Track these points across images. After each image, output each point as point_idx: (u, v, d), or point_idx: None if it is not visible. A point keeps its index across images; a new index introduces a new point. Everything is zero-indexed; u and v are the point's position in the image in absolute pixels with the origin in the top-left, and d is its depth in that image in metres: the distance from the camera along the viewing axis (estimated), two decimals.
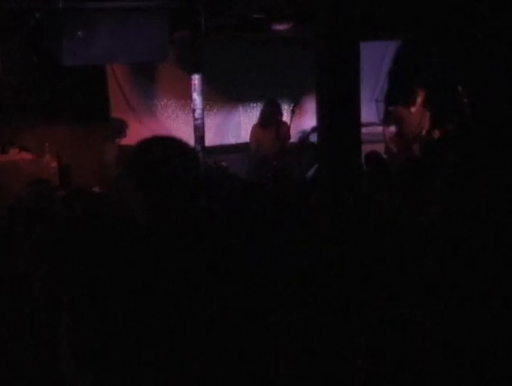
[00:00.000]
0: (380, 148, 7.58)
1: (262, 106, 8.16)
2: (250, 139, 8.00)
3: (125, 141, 7.56)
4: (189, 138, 8.07)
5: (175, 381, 1.87)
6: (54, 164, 7.93)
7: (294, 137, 9.37)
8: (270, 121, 7.79)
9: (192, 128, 7.99)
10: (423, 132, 8.01)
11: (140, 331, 1.85)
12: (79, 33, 6.53)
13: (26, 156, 8.04)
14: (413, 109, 8.04)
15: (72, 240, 2.94)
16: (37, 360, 2.81)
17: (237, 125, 9.49)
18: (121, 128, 7.56)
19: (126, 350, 1.85)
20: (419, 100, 7.98)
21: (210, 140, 8.68)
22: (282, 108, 8.17)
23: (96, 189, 6.95)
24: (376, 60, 9.80)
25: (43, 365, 2.72)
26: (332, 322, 3.39)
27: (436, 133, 7.86)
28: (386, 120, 8.37)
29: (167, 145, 2.03)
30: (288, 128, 7.92)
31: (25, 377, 2.80)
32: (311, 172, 6.60)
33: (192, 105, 7.95)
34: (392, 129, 8.23)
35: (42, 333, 2.85)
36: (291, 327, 3.18)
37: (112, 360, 1.86)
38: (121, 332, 1.86)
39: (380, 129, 8.41)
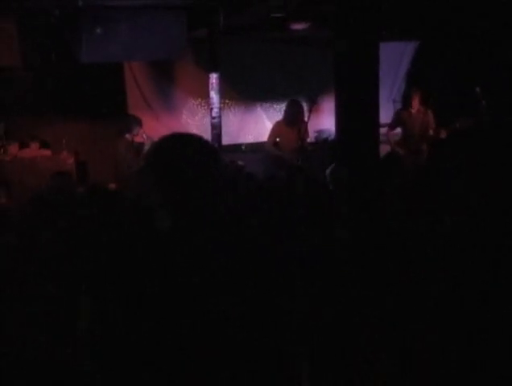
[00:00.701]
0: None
1: (285, 106, 8.17)
2: (270, 134, 8.01)
3: (139, 139, 7.58)
4: (206, 136, 8.08)
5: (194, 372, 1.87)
6: (71, 160, 7.97)
7: (311, 136, 9.38)
8: (293, 121, 7.80)
9: (210, 126, 7.99)
10: (430, 132, 7.98)
11: (159, 329, 1.85)
12: (98, 30, 6.55)
13: (45, 152, 8.09)
14: (413, 111, 8.04)
15: (91, 238, 2.95)
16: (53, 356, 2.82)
17: (254, 124, 9.48)
18: (131, 124, 7.56)
19: (146, 347, 1.86)
20: (416, 100, 7.97)
21: (227, 138, 8.69)
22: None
23: (112, 185, 6.97)
24: (394, 61, 9.77)
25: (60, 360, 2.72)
26: (341, 323, 3.39)
27: (444, 133, 7.81)
28: (390, 124, 8.35)
29: (189, 142, 2.02)
30: (307, 127, 7.93)
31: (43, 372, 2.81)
32: (328, 171, 6.57)
33: (209, 104, 7.96)
34: (397, 131, 8.24)
35: (58, 328, 2.86)
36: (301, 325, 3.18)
37: (131, 357, 1.86)
38: (140, 330, 1.86)
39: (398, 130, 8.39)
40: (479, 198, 4.14)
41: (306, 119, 7.96)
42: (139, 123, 7.57)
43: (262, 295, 1.97)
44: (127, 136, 7.47)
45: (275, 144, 7.98)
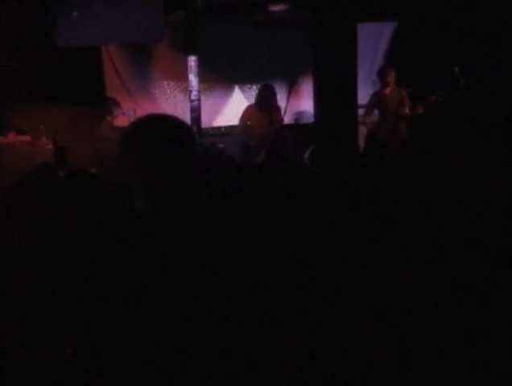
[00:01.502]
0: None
1: (258, 89, 8.17)
2: (241, 118, 8.02)
3: (119, 122, 7.56)
4: (185, 120, 8.05)
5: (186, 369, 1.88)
6: (50, 146, 7.92)
7: (291, 118, 9.38)
8: (265, 106, 7.82)
9: (189, 109, 7.97)
10: (407, 110, 7.98)
11: (139, 319, 1.85)
12: (74, 14, 6.50)
13: (23, 138, 8.02)
14: (387, 91, 7.99)
15: (71, 224, 2.94)
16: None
17: (233, 107, 9.46)
18: (110, 106, 7.54)
19: (132, 344, 1.85)
20: (390, 79, 7.96)
21: (206, 121, 8.67)
22: (278, 92, 8.17)
23: (93, 170, 6.94)
24: (373, 42, 9.76)
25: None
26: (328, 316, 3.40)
27: (421, 108, 7.81)
28: (366, 106, 8.32)
29: (164, 122, 2.02)
30: (281, 112, 7.95)
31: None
32: (307, 153, 6.58)
33: (188, 87, 7.93)
34: (375, 113, 8.22)
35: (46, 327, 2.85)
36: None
37: (123, 356, 1.86)
38: (121, 322, 1.85)
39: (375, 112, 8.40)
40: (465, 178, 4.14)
41: (284, 102, 7.98)
42: (118, 105, 7.54)
43: (243, 283, 1.97)
44: (108, 118, 7.44)
45: (246, 128, 7.97)
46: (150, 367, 1.85)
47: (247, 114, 8.00)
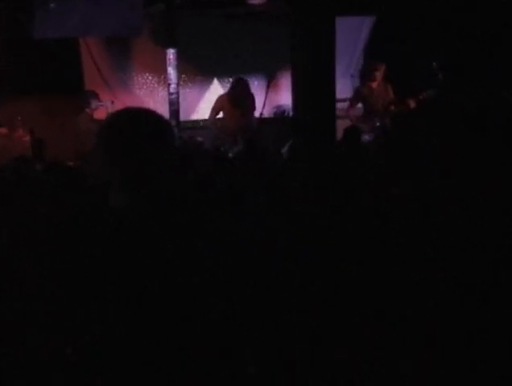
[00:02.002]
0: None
1: (231, 83, 8.13)
2: (212, 108, 7.96)
3: (98, 115, 7.52)
4: (164, 113, 8.03)
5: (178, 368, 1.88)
6: (26, 138, 7.85)
7: (269, 112, 9.39)
8: (237, 101, 7.76)
9: (167, 102, 7.95)
10: (392, 107, 7.98)
11: (117, 315, 1.84)
12: (51, 5, 6.45)
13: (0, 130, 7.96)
14: (374, 85, 7.98)
15: (48, 216, 2.92)
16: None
17: (212, 100, 9.44)
18: (89, 98, 7.51)
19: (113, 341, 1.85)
20: (379, 74, 7.95)
21: (185, 114, 8.65)
22: (257, 86, 8.15)
23: (71, 163, 6.90)
24: (351, 36, 9.78)
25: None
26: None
27: (412, 103, 7.81)
28: (351, 99, 8.32)
29: (142, 116, 2.01)
30: (254, 100, 7.91)
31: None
32: (285, 147, 6.60)
33: (167, 80, 7.91)
34: (359, 107, 8.23)
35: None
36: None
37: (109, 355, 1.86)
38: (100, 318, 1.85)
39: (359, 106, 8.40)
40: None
41: (263, 95, 7.97)
42: (97, 97, 7.50)
43: (219, 277, 1.97)
44: (87, 110, 7.41)
45: (217, 120, 7.92)
46: (132, 354, 1.85)
47: (219, 105, 7.92)
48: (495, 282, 3.27)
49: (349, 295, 3.41)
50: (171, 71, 7.79)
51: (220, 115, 7.99)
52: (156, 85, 9.10)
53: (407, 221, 3.70)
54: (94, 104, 7.43)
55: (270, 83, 8.24)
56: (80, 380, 1.89)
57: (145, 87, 9.14)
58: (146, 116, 2.02)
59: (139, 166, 1.91)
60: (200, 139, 6.79)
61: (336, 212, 3.93)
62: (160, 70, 8.50)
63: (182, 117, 8.26)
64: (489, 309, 3.20)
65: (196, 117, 9.32)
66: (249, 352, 1.99)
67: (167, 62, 7.75)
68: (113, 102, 7.63)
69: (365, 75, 8.25)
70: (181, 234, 1.91)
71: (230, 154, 6.36)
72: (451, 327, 3.19)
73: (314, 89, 5.27)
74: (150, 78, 9.11)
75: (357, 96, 8.18)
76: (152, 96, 9.12)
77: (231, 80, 8.82)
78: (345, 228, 3.75)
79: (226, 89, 9.25)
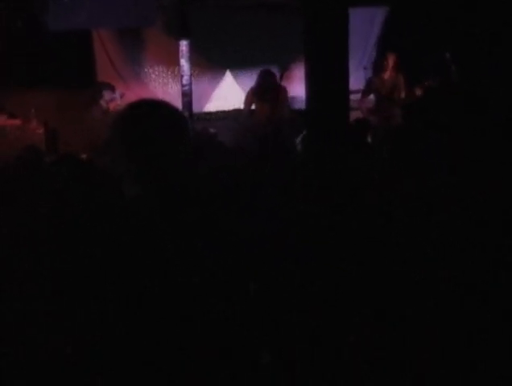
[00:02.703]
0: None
1: (256, 76, 8.11)
2: (244, 103, 7.97)
3: (112, 107, 7.54)
4: (177, 104, 8.02)
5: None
6: (40, 130, 7.88)
7: None
8: (264, 93, 7.74)
9: (180, 94, 7.95)
10: (402, 94, 7.96)
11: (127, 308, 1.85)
12: None
13: (14, 122, 7.99)
14: (386, 76, 7.98)
15: (58, 210, 2.93)
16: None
17: (225, 92, 9.44)
18: (104, 90, 7.51)
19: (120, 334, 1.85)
20: (391, 64, 7.93)
21: (198, 106, 8.65)
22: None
23: (84, 155, 6.92)
24: (364, 27, 9.74)
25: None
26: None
27: (418, 91, 7.79)
28: (363, 91, 8.31)
29: (156, 109, 2.00)
30: (286, 92, 7.90)
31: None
32: (299, 139, 6.58)
33: (179, 71, 7.91)
34: (371, 99, 8.21)
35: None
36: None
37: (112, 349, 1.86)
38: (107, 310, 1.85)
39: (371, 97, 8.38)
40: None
41: (281, 88, 7.91)
42: (112, 89, 7.51)
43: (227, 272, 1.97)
44: (102, 102, 7.42)
45: (251, 113, 7.94)
46: (126, 348, 1.86)
47: (249, 99, 7.94)
48: (495, 282, 3.25)
49: (349, 295, 3.41)
50: (184, 63, 7.80)
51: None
52: (169, 77, 9.11)
53: (409, 220, 3.69)
54: (108, 95, 7.44)
55: (283, 74, 8.19)
56: (79, 380, 1.90)
57: (158, 79, 9.15)
58: (161, 108, 2.01)
59: (153, 159, 1.90)
60: (212, 131, 6.78)
61: (338, 211, 3.92)
62: (173, 62, 8.50)
63: (195, 109, 8.26)
64: (489, 309, 3.18)
65: (208, 108, 9.33)
66: (249, 352, 1.99)
67: (180, 54, 7.76)
68: (122, 95, 7.61)
69: (378, 67, 8.23)
70: (188, 230, 1.91)
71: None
72: (451, 327, 3.18)
73: (327, 81, 5.24)
74: (162, 70, 9.11)
75: (369, 87, 8.17)
76: (165, 88, 9.12)
77: (244, 71, 8.81)
78: (347, 227, 3.74)
79: (239, 81, 9.25)
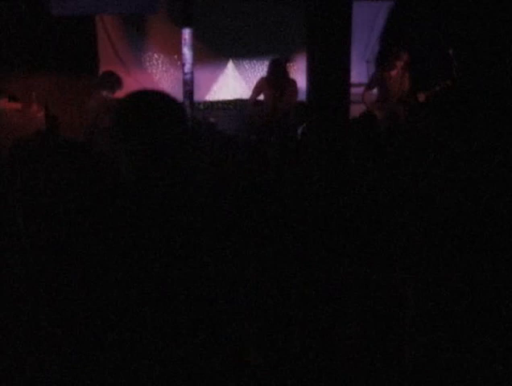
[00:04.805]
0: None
1: (259, 66, 8.12)
2: (252, 91, 7.96)
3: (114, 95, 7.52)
4: (178, 93, 8.03)
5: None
6: (41, 114, 7.87)
7: None
8: (274, 82, 7.73)
9: (181, 82, 7.94)
10: (407, 94, 7.91)
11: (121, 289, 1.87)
12: None
13: (14, 105, 7.98)
14: (393, 73, 7.91)
15: (58, 192, 2.94)
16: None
17: (226, 81, 9.42)
18: (115, 83, 7.48)
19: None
20: (400, 63, 7.87)
21: (199, 95, 8.65)
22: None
23: (83, 139, 6.93)
24: (368, 21, 9.73)
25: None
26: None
27: (422, 96, 7.74)
28: (368, 84, 8.27)
29: (155, 99, 2.05)
30: (295, 85, 7.88)
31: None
32: (300, 129, 6.59)
33: (181, 60, 7.90)
34: (374, 92, 8.17)
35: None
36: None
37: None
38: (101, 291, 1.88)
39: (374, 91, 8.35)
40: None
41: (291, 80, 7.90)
42: (121, 85, 7.46)
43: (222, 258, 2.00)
44: (105, 92, 7.39)
45: (256, 102, 7.93)
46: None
47: (258, 88, 7.93)
48: (494, 281, 3.26)
49: (342, 293, 3.42)
50: (186, 52, 7.78)
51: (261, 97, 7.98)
52: (171, 65, 9.09)
53: (405, 218, 3.70)
54: (116, 89, 7.41)
55: (286, 65, 8.19)
56: (80, 361, 1.92)
57: (159, 66, 9.13)
58: (160, 97, 2.06)
59: (148, 144, 1.96)
60: (212, 120, 6.79)
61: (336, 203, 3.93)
62: (175, 50, 8.49)
63: (196, 98, 8.25)
64: (489, 312, 3.19)
65: (210, 98, 9.32)
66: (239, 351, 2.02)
67: (183, 42, 7.74)
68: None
69: (385, 61, 8.16)
70: (178, 214, 1.94)
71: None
72: (448, 326, 3.19)
73: (328, 73, 5.23)
74: (164, 58, 9.10)
75: (374, 81, 8.13)
76: (167, 76, 9.12)
77: (247, 61, 8.79)
78: (342, 221, 3.76)
79: (241, 71, 9.24)
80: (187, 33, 7.73)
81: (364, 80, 9.06)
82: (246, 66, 9.38)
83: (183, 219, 1.94)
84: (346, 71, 5.43)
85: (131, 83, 8.15)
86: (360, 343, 3.29)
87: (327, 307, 3.40)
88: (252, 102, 7.95)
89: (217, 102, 9.13)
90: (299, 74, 9.33)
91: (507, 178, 3.70)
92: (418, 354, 3.18)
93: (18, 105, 7.98)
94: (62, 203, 2.60)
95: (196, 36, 7.91)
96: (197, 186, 2.07)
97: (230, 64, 9.43)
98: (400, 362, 3.20)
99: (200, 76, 8.90)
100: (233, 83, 9.39)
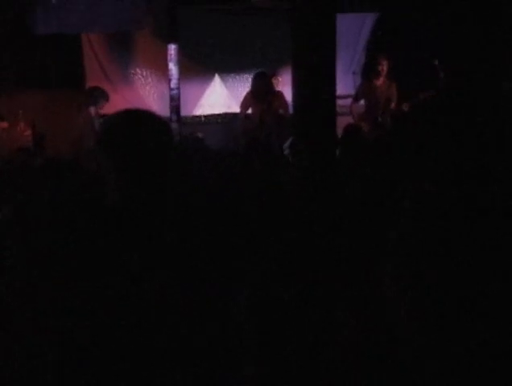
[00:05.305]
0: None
1: (245, 80, 8.12)
2: (240, 106, 7.95)
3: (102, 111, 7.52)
4: (165, 108, 8.04)
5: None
6: (28, 132, 7.86)
7: None
8: (260, 95, 7.72)
9: (168, 98, 7.95)
10: (392, 104, 7.91)
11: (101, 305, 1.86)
12: (53, 1, 6.46)
13: (1, 124, 7.96)
14: (378, 82, 7.84)
15: (43, 212, 2.94)
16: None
17: (213, 95, 9.44)
18: (99, 97, 7.48)
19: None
20: (383, 70, 7.88)
21: (186, 110, 8.66)
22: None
23: (70, 158, 6.90)
24: (353, 32, 9.77)
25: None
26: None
27: (406, 106, 7.74)
28: (355, 95, 8.27)
29: (140, 118, 2.06)
30: (283, 97, 7.85)
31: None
32: (287, 144, 6.59)
33: (168, 75, 7.92)
34: (361, 104, 8.17)
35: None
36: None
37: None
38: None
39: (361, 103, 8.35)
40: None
41: (276, 95, 7.88)
42: (106, 98, 7.47)
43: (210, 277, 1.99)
44: (91, 109, 7.39)
45: (247, 116, 7.91)
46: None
47: (246, 102, 7.89)
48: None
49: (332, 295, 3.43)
50: (173, 67, 7.81)
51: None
52: (157, 80, 9.10)
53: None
54: (101, 103, 7.40)
55: (271, 79, 8.21)
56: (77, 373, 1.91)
57: (146, 82, 9.13)
58: (146, 116, 2.07)
59: (133, 168, 1.96)
60: (200, 135, 6.79)
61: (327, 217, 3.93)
62: (161, 65, 8.50)
63: (183, 113, 8.26)
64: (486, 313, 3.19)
65: (196, 112, 9.33)
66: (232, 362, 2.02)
67: (169, 57, 7.77)
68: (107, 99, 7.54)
69: (368, 70, 8.18)
70: (163, 239, 1.94)
71: None
72: (444, 325, 3.18)
73: (314, 86, 5.26)
74: (151, 73, 9.10)
75: (360, 92, 8.13)
76: (153, 92, 9.12)
77: (232, 75, 8.80)
78: (334, 229, 3.76)
79: (228, 85, 9.26)
80: (172, 48, 7.76)
81: (351, 91, 9.09)
82: (233, 80, 9.40)
83: (168, 238, 1.94)
84: (332, 83, 5.46)
85: (118, 99, 8.16)
86: (353, 348, 3.29)
87: (318, 310, 3.40)
88: (242, 117, 7.94)
89: (205, 116, 9.14)
90: (285, 87, 9.36)
91: (492, 188, 3.71)
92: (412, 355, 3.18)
93: (4, 124, 7.96)
94: (47, 222, 2.59)
95: (181, 51, 7.93)
96: (184, 203, 2.07)
97: (216, 78, 9.45)
98: (394, 363, 3.20)
99: (187, 91, 8.91)
100: (219, 97, 9.41)
